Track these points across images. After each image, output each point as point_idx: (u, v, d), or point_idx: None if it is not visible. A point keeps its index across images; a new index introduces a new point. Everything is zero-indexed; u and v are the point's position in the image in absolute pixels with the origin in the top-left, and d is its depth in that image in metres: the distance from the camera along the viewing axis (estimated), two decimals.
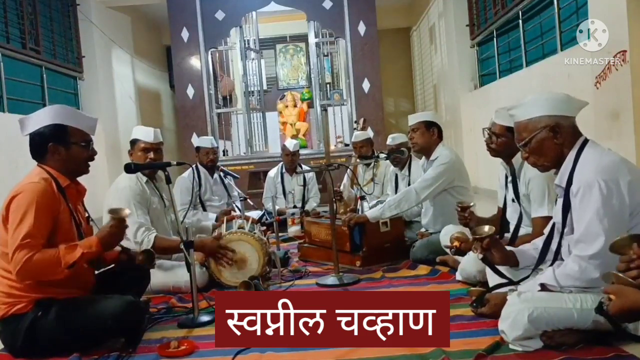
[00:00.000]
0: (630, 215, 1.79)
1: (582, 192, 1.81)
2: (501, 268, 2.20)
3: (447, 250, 3.04)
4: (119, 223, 2.14)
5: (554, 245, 2.04)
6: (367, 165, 4.84)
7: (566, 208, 1.88)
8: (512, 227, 2.64)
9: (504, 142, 2.57)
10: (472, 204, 2.81)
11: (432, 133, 3.42)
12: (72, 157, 2.17)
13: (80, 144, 2.18)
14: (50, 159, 2.15)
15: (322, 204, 5.35)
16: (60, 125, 2.13)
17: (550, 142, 1.92)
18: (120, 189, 2.96)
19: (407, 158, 4.06)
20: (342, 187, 4.99)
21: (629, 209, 1.78)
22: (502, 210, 2.73)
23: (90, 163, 2.26)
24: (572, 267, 1.82)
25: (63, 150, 2.15)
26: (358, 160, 4.79)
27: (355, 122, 6.00)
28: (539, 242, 2.17)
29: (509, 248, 2.28)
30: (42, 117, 2.15)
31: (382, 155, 3.66)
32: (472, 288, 2.33)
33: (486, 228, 2.18)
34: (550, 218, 2.33)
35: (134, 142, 3.11)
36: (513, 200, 2.63)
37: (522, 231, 2.61)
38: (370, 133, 5.03)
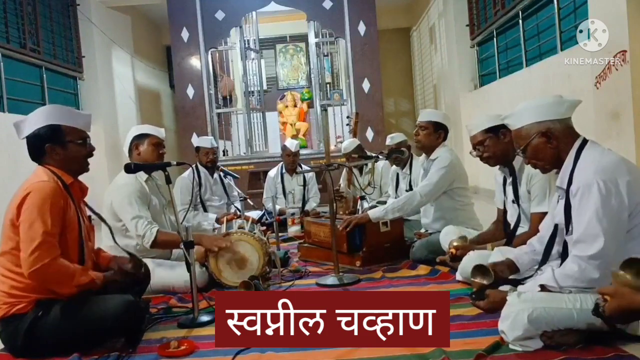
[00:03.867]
0: (630, 215, 1.79)
1: (581, 192, 1.81)
2: None
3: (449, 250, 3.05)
4: (125, 276, 2.28)
5: (557, 247, 2.04)
6: (361, 169, 4.82)
7: (568, 209, 1.89)
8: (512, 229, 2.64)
9: (490, 145, 2.58)
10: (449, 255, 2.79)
11: (438, 135, 3.39)
12: (71, 155, 2.17)
13: (76, 142, 2.18)
14: (49, 160, 2.15)
15: (322, 204, 5.34)
16: (54, 125, 2.13)
17: (544, 147, 1.94)
18: (121, 186, 2.95)
19: (407, 157, 4.05)
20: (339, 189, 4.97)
21: (628, 209, 1.78)
22: (504, 214, 2.73)
23: (89, 161, 2.26)
24: (572, 267, 1.82)
25: (60, 150, 2.15)
26: (353, 163, 4.75)
27: (348, 117, 5.96)
28: (535, 242, 2.18)
29: (508, 251, 2.28)
30: (36, 119, 2.14)
31: (381, 156, 3.65)
32: (476, 280, 2.32)
33: (477, 279, 2.16)
34: None
35: (143, 136, 3.06)
36: (513, 202, 2.63)
37: (520, 231, 2.61)
38: (357, 141, 4.88)
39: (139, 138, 3.08)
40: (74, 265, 2.07)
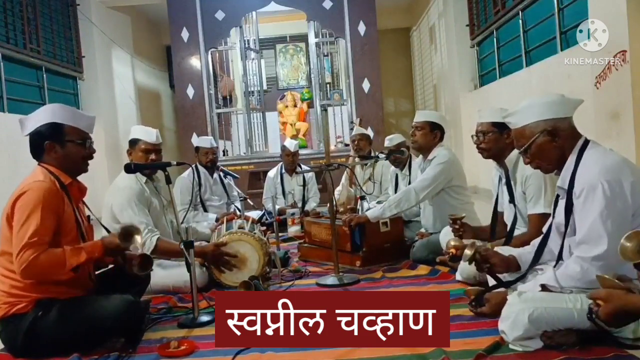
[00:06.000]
0: (633, 216, 1.79)
1: (586, 193, 1.81)
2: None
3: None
4: (127, 241, 2.17)
5: (554, 246, 2.04)
6: (363, 165, 4.85)
7: (569, 210, 1.88)
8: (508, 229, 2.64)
9: (492, 139, 2.58)
10: (463, 215, 2.80)
11: (434, 135, 3.41)
12: (69, 155, 2.17)
13: (76, 142, 2.18)
14: (47, 158, 2.16)
15: (322, 204, 5.35)
16: (56, 123, 2.14)
17: (550, 146, 1.92)
18: (121, 189, 2.95)
19: (407, 158, 4.06)
20: (340, 187, 4.99)
21: (631, 209, 1.78)
22: (495, 213, 2.73)
23: (89, 162, 2.26)
24: (574, 268, 1.82)
25: (59, 149, 2.15)
26: (357, 160, 4.80)
27: (351, 122, 6.03)
28: (537, 243, 2.17)
29: (509, 250, 2.29)
30: (40, 116, 2.16)
31: (382, 156, 3.66)
32: (469, 288, 2.33)
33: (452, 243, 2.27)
34: (546, 215, 2.34)
35: (134, 142, 3.08)
36: (509, 202, 2.63)
37: (517, 232, 2.61)
38: (369, 132, 5.04)
39: (132, 144, 3.08)
40: (61, 249, 2.02)
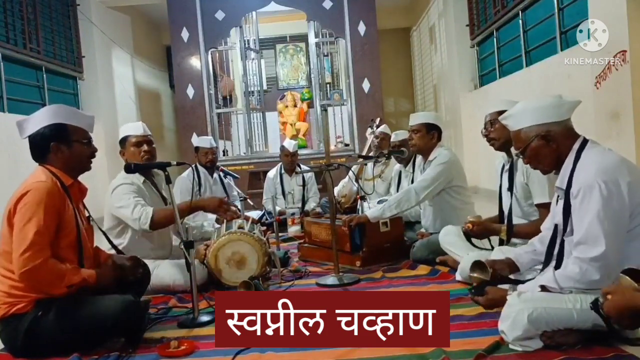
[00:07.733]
0: (631, 216, 1.79)
1: (583, 193, 1.81)
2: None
3: (448, 250, 3.04)
4: (119, 272, 2.27)
5: (556, 248, 2.04)
6: (375, 163, 4.86)
7: (567, 210, 1.88)
8: (505, 217, 2.65)
9: (498, 128, 2.58)
10: (476, 218, 2.76)
11: (432, 136, 3.42)
12: (75, 155, 2.18)
13: (81, 142, 2.19)
14: (53, 159, 2.16)
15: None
16: (60, 124, 2.14)
17: (544, 149, 1.93)
18: (116, 184, 2.89)
19: (410, 156, 4.06)
20: (346, 179, 5.00)
21: (629, 210, 1.78)
22: (500, 205, 2.74)
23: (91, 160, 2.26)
24: (573, 268, 1.82)
25: (66, 149, 2.16)
26: (361, 160, 4.79)
27: (372, 120, 6.06)
28: (536, 241, 2.18)
29: (507, 252, 2.29)
30: (41, 118, 2.15)
31: (381, 158, 3.66)
32: (476, 275, 2.32)
33: (475, 274, 2.19)
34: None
35: (123, 141, 3.03)
36: (507, 190, 2.63)
37: (516, 221, 2.61)
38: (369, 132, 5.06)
39: (122, 143, 3.04)
40: (65, 265, 2.06)
